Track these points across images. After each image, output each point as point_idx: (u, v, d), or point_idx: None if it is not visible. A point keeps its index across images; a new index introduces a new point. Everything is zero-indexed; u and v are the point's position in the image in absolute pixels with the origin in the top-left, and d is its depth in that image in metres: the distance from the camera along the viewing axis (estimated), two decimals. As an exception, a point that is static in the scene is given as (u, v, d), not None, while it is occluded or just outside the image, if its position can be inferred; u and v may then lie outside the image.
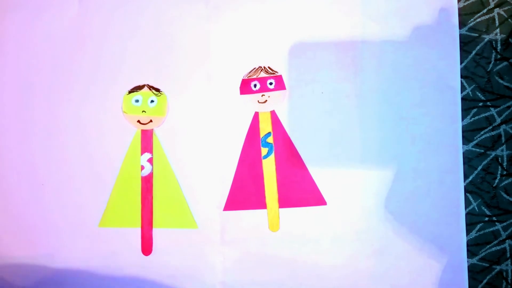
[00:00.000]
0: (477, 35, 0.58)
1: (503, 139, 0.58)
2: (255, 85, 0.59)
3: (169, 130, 0.59)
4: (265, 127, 0.59)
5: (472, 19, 0.58)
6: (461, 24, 0.58)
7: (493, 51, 0.58)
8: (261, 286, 0.59)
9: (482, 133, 0.58)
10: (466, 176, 0.58)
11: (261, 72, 0.59)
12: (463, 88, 0.58)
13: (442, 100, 0.58)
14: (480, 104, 0.58)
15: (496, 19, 0.58)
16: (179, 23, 0.60)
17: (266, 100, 0.59)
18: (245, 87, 0.59)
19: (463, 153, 0.58)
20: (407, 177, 0.58)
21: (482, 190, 0.58)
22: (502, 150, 0.58)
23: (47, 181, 0.60)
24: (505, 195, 0.58)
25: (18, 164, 0.60)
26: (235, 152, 0.59)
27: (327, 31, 0.59)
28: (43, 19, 0.60)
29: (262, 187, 0.59)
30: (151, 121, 0.59)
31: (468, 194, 0.58)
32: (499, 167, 0.58)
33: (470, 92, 0.58)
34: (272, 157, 0.59)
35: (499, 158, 0.58)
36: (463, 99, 0.58)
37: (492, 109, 0.58)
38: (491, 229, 0.58)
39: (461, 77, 0.58)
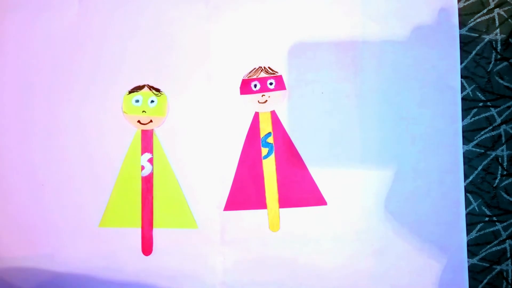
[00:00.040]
0: (477, 35, 0.58)
1: (503, 139, 0.58)
2: (255, 85, 0.59)
3: (169, 130, 0.59)
4: (265, 127, 0.59)
5: (472, 19, 0.58)
6: (461, 24, 0.58)
7: (493, 51, 0.58)
8: (262, 286, 0.59)
9: (482, 133, 0.58)
10: (466, 176, 0.58)
11: (261, 72, 0.59)
12: (463, 88, 0.58)
13: (442, 100, 0.58)
14: (480, 104, 0.58)
15: (496, 19, 0.58)
16: (179, 23, 0.60)
17: (266, 100, 0.59)
18: (245, 87, 0.59)
19: (463, 153, 0.58)
20: (408, 177, 0.58)
21: (482, 190, 0.58)
22: (502, 150, 0.58)
23: (47, 182, 0.60)
24: (505, 195, 0.58)
25: (18, 164, 0.60)
26: (235, 152, 0.59)
27: (327, 31, 0.59)
28: (43, 19, 0.60)
29: (263, 187, 0.59)
30: (151, 121, 0.59)
31: (468, 194, 0.58)
32: (499, 167, 0.58)
33: (470, 92, 0.58)
34: (272, 157, 0.59)
35: (499, 158, 0.58)
36: (463, 99, 0.58)
37: (492, 109, 0.58)
38: (492, 229, 0.58)
39: (461, 77, 0.58)
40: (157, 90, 0.59)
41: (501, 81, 0.58)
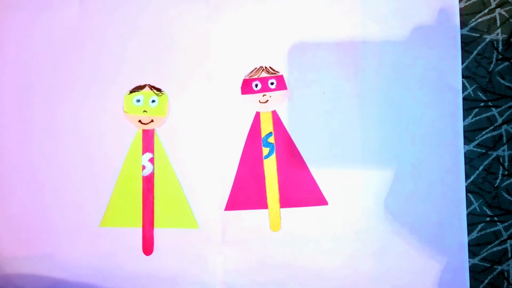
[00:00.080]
0: (478, 35, 0.58)
1: (504, 139, 0.58)
2: (256, 85, 0.59)
3: (170, 130, 0.59)
4: (266, 127, 0.59)
5: (473, 19, 0.58)
6: (462, 24, 0.58)
7: (495, 51, 0.58)
8: (262, 286, 0.59)
9: (483, 133, 0.58)
10: (467, 176, 0.58)
11: (262, 72, 0.59)
12: (464, 88, 0.58)
13: (443, 100, 0.58)
14: (482, 104, 0.58)
15: (498, 19, 0.58)
16: (180, 23, 0.60)
17: (268, 100, 0.59)
18: (246, 87, 0.59)
19: (465, 153, 0.58)
20: (408, 177, 0.58)
21: (483, 190, 0.58)
22: (503, 150, 0.58)
23: (47, 181, 0.60)
24: (506, 195, 0.58)
25: (18, 164, 0.60)
26: (236, 152, 0.59)
27: (327, 31, 0.59)
28: (43, 19, 0.60)
29: (263, 187, 0.59)
30: (152, 121, 0.59)
31: (469, 194, 0.58)
32: (501, 167, 0.58)
33: (471, 92, 0.58)
34: (273, 157, 0.59)
35: (501, 158, 0.58)
36: (464, 99, 0.58)
37: (493, 109, 0.58)
38: (493, 229, 0.58)
39: (463, 77, 0.58)
40: (158, 90, 0.59)
41: (502, 81, 0.58)
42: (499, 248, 0.58)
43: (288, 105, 0.59)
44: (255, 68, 0.59)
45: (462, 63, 0.58)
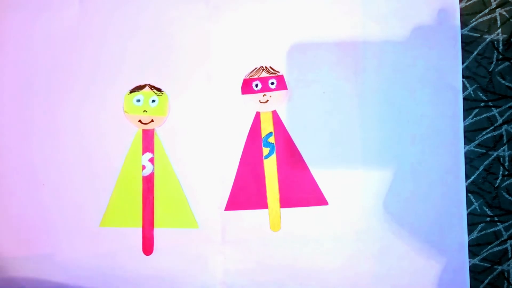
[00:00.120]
0: (478, 35, 0.58)
1: (504, 139, 0.58)
2: (256, 85, 0.59)
3: (171, 130, 0.59)
4: (267, 127, 0.59)
5: (473, 19, 0.58)
6: (463, 24, 0.58)
7: (495, 51, 0.58)
8: (262, 286, 0.59)
9: (483, 133, 0.58)
10: (467, 177, 0.58)
11: (263, 72, 0.59)
12: (464, 88, 0.58)
13: (444, 100, 0.58)
14: (482, 104, 0.58)
15: (498, 19, 0.58)
16: (180, 23, 0.60)
17: (268, 100, 0.59)
18: (247, 87, 0.59)
19: (465, 153, 0.58)
20: (409, 177, 0.58)
21: (483, 190, 0.58)
22: (503, 151, 0.58)
23: (47, 181, 0.60)
24: (506, 196, 0.58)
25: (18, 164, 0.60)
26: (237, 152, 0.59)
27: (327, 31, 0.59)
28: (43, 19, 0.60)
29: (264, 187, 0.59)
30: (152, 120, 0.59)
31: (469, 194, 0.58)
32: (501, 167, 0.58)
33: (471, 92, 0.58)
34: (273, 157, 0.59)
35: (501, 158, 0.58)
36: (464, 99, 0.58)
37: (494, 109, 0.58)
38: (493, 229, 0.58)
39: (463, 77, 0.58)
40: (158, 89, 0.59)
41: (502, 81, 0.58)
42: (499, 248, 0.58)
43: (289, 105, 0.59)
44: (255, 68, 0.59)
45: (463, 63, 0.58)
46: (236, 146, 0.59)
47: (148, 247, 0.59)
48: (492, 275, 0.58)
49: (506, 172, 0.58)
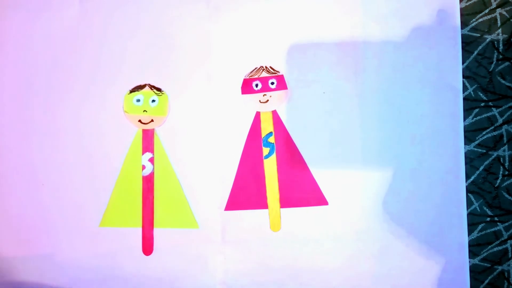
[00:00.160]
0: (479, 35, 0.58)
1: (505, 139, 0.58)
2: (256, 85, 0.59)
3: (170, 130, 0.59)
4: (267, 127, 0.59)
5: (474, 19, 0.58)
6: (463, 24, 0.58)
7: (495, 51, 0.58)
8: (262, 286, 0.59)
9: (484, 133, 0.58)
10: (468, 176, 0.58)
11: (263, 71, 0.59)
12: (465, 88, 0.58)
13: (444, 100, 0.58)
14: (482, 104, 0.58)
15: (498, 19, 0.58)
16: (180, 23, 0.60)
17: (268, 100, 0.59)
18: (247, 86, 0.59)
19: (465, 153, 0.58)
20: (409, 177, 0.58)
21: (484, 190, 0.58)
22: (504, 151, 0.58)
23: (47, 181, 0.60)
24: (507, 196, 0.58)
25: (18, 164, 0.60)
26: (237, 152, 0.59)
27: (328, 31, 0.59)
28: (43, 19, 0.60)
29: (264, 187, 0.59)
30: (152, 120, 0.59)
31: (470, 194, 0.58)
32: (501, 167, 0.58)
33: (472, 92, 0.58)
34: (273, 157, 0.59)
35: (501, 158, 0.58)
36: (465, 99, 0.58)
37: (494, 109, 0.58)
38: (493, 229, 0.58)
39: (463, 77, 0.58)
40: (158, 89, 0.59)
41: (503, 81, 0.58)
42: (500, 248, 0.58)
43: (289, 105, 0.59)
44: (256, 68, 0.59)
45: (463, 63, 0.58)
46: (236, 146, 0.59)
47: (148, 247, 0.59)
48: (492, 275, 0.58)
49: (506, 172, 0.58)
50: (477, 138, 0.58)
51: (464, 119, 0.58)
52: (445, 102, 0.58)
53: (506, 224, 0.58)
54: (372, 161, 0.58)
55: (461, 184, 0.57)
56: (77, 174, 0.59)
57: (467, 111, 0.58)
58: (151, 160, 0.59)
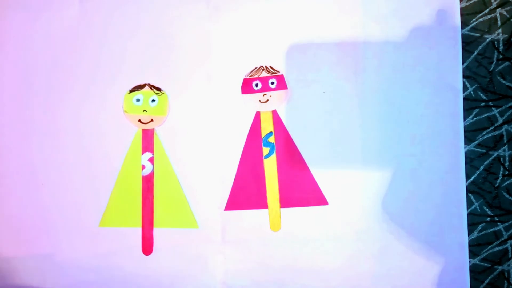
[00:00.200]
0: (479, 35, 0.58)
1: (505, 139, 0.58)
2: (256, 85, 0.59)
3: (170, 130, 0.59)
4: (267, 126, 0.59)
5: (474, 19, 0.58)
6: (463, 24, 0.58)
7: (495, 51, 0.58)
8: (262, 286, 0.58)
9: (484, 133, 0.58)
10: (468, 176, 0.58)
11: (263, 71, 0.59)
12: (465, 88, 0.58)
13: (444, 100, 0.58)
14: (482, 104, 0.58)
15: (498, 19, 0.58)
16: (180, 23, 0.60)
17: (268, 100, 0.59)
18: (247, 86, 0.59)
19: (465, 153, 0.58)
20: (409, 177, 0.58)
21: (484, 190, 0.58)
22: (504, 150, 0.58)
23: (47, 181, 0.60)
24: (507, 195, 0.58)
25: (18, 164, 0.60)
26: (237, 152, 0.59)
27: (328, 31, 0.59)
28: (43, 19, 0.60)
29: (264, 187, 0.59)
30: (152, 120, 0.59)
31: (470, 194, 0.58)
32: (501, 167, 0.58)
33: (472, 92, 0.58)
34: (273, 156, 0.59)
35: (501, 158, 0.58)
36: (465, 99, 0.58)
37: (494, 109, 0.58)
38: (493, 229, 0.58)
39: (463, 77, 0.58)
40: (158, 89, 0.59)
41: (503, 81, 0.58)
42: (500, 248, 0.58)
43: (289, 104, 0.59)
44: (256, 68, 0.59)
45: (463, 63, 0.58)
46: (236, 145, 0.59)
47: (147, 247, 0.59)
48: (492, 275, 0.58)
49: (507, 172, 0.58)
50: (477, 138, 0.58)
51: (464, 119, 0.58)
52: (445, 102, 0.58)
53: (506, 224, 0.58)
54: (372, 161, 0.58)
55: (461, 184, 0.57)
56: (77, 173, 0.59)
57: (467, 111, 0.58)
58: (151, 160, 0.59)
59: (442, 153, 0.57)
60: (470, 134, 0.58)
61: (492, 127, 0.58)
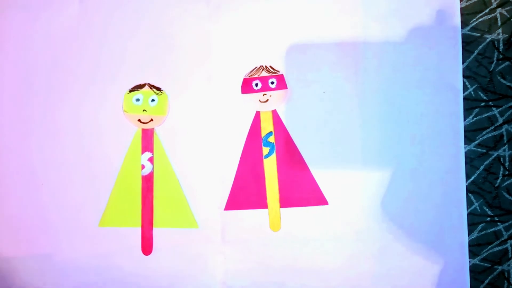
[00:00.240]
0: (479, 34, 0.58)
1: (505, 139, 0.58)
2: (256, 84, 0.59)
3: (170, 129, 0.59)
4: (267, 126, 0.59)
5: (474, 19, 0.58)
6: (463, 24, 0.58)
7: (495, 51, 0.58)
8: (262, 286, 0.58)
9: (484, 133, 0.58)
10: (468, 176, 0.58)
11: (263, 71, 0.59)
12: (465, 88, 0.58)
13: (444, 100, 0.58)
14: (482, 104, 0.58)
15: (498, 19, 0.58)
16: (180, 22, 0.60)
17: (268, 100, 0.59)
18: (247, 86, 0.59)
19: (465, 153, 0.57)
20: (409, 177, 0.58)
21: (484, 190, 0.58)
22: (504, 150, 0.58)
23: (46, 181, 0.60)
24: (507, 195, 0.58)
25: (17, 164, 0.60)
26: (236, 152, 0.59)
27: (328, 31, 0.59)
28: (43, 19, 0.60)
29: (263, 187, 0.59)
30: (152, 120, 0.59)
31: (470, 194, 0.58)
32: (501, 167, 0.58)
33: (472, 92, 0.58)
34: (273, 156, 0.59)
35: (501, 158, 0.58)
36: (465, 99, 0.58)
37: (494, 109, 0.58)
38: (493, 229, 0.58)
39: (463, 77, 0.58)
40: (158, 89, 0.59)
41: (503, 81, 0.58)
42: (500, 248, 0.58)
43: (289, 104, 0.59)
44: (256, 67, 0.59)
45: (463, 63, 0.58)
46: (236, 145, 0.59)
47: (147, 247, 0.59)
48: (492, 275, 0.58)
49: (507, 172, 0.58)
50: (477, 138, 0.58)
51: (464, 119, 0.58)
52: (445, 102, 0.58)
53: (506, 224, 0.58)
54: (372, 161, 0.58)
55: (461, 184, 0.57)
56: (77, 173, 0.59)
57: (467, 110, 0.58)
58: (151, 159, 0.59)
59: (442, 153, 0.57)
60: (470, 134, 0.58)
61: (492, 127, 0.58)
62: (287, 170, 0.59)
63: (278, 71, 0.59)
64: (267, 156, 0.59)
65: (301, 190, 0.58)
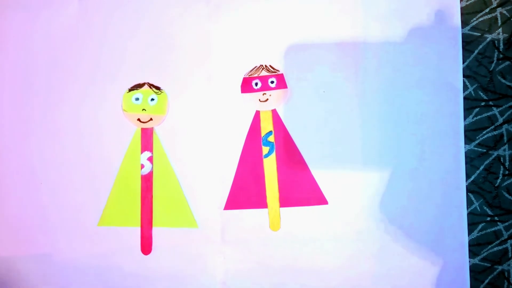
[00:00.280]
0: (479, 34, 0.58)
1: (505, 138, 0.58)
2: (256, 84, 0.59)
3: (170, 129, 0.59)
4: (266, 126, 0.59)
5: (474, 19, 0.58)
6: (464, 24, 0.58)
7: (496, 50, 0.58)
8: (262, 286, 0.58)
9: (484, 132, 0.58)
10: (468, 176, 0.57)
11: (263, 70, 0.59)
12: (465, 88, 0.58)
13: (444, 99, 0.57)
14: (482, 103, 0.58)
15: (499, 19, 0.58)
16: (180, 22, 0.60)
17: (268, 99, 0.59)
18: (246, 85, 0.59)
19: (465, 153, 0.57)
20: (409, 176, 0.57)
21: (484, 190, 0.58)
22: (504, 150, 0.58)
23: (46, 180, 0.60)
24: (507, 195, 0.58)
25: (17, 163, 0.60)
26: (236, 151, 0.59)
27: (328, 30, 0.59)
28: (43, 18, 0.60)
29: (263, 186, 0.59)
30: (151, 119, 0.59)
31: (470, 194, 0.58)
32: (501, 167, 0.58)
33: (472, 92, 0.58)
34: (273, 156, 0.59)
35: (501, 158, 0.58)
36: (465, 98, 0.58)
37: (494, 108, 0.58)
38: (493, 229, 0.58)
39: (463, 76, 0.58)
40: (158, 88, 0.59)
41: (503, 81, 0.58)
42: (500, 248, 0.58)
43: (288, 104, 0.59)
44: (255, 67, 0.59)
45: (463, 63, 0.58)
46: (236, 145, 0.59)
47: (146, 247, 0.59)
48: (492, 275, 0.58)
49: (507, 172, 0.58)
50: (477, 137, 0.58)
51: (465, 119, 0.57)
52: (445, 102, 0.57)
53: (506, 223, 0.58)
54: (372, 161, 0.58)
55: (461, 184, 0.57)
56: (76, 173, 0.59)
57: (467, 110, 0.58)
58: (150, 159, 0.59)
59: (442, 153, 0.57)
60: (470, 133, 0.58)
61: (492, 127, 0.58)
62: (286, 169, 0.58)
63: (278, 71, 0.59)
64: (266, 155, 0.59)
65: (301, 189, 0.58)
